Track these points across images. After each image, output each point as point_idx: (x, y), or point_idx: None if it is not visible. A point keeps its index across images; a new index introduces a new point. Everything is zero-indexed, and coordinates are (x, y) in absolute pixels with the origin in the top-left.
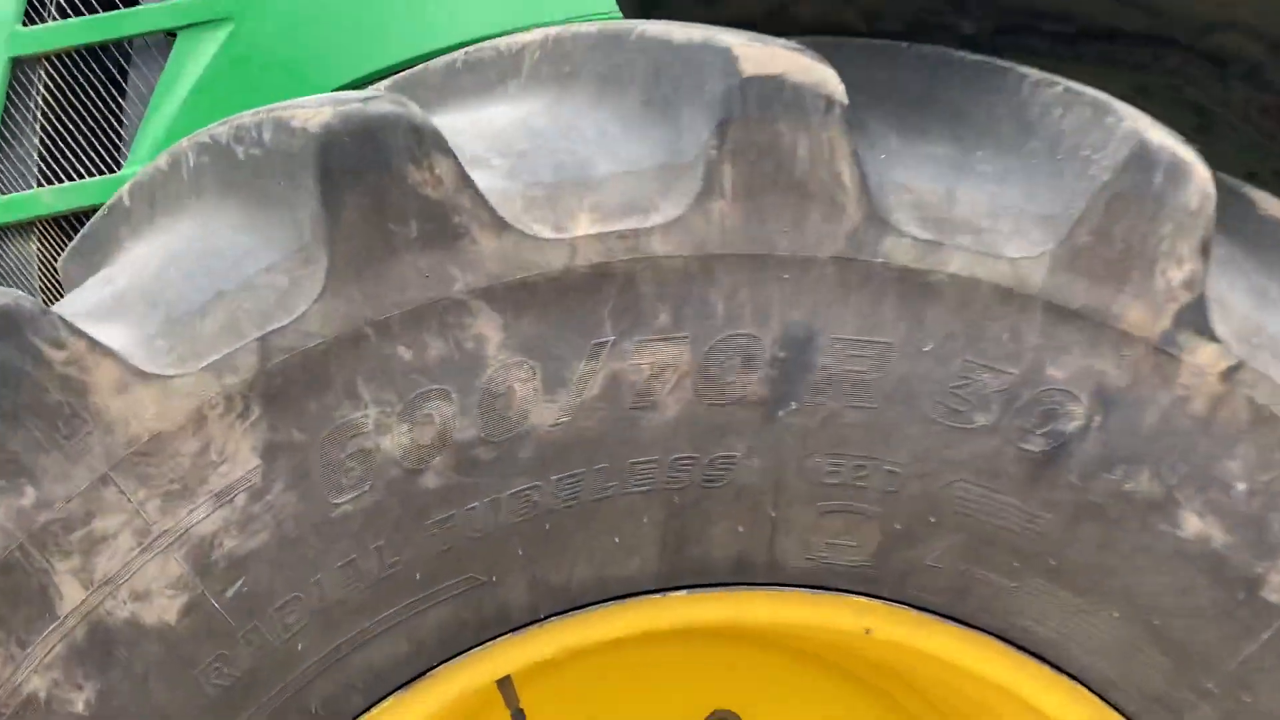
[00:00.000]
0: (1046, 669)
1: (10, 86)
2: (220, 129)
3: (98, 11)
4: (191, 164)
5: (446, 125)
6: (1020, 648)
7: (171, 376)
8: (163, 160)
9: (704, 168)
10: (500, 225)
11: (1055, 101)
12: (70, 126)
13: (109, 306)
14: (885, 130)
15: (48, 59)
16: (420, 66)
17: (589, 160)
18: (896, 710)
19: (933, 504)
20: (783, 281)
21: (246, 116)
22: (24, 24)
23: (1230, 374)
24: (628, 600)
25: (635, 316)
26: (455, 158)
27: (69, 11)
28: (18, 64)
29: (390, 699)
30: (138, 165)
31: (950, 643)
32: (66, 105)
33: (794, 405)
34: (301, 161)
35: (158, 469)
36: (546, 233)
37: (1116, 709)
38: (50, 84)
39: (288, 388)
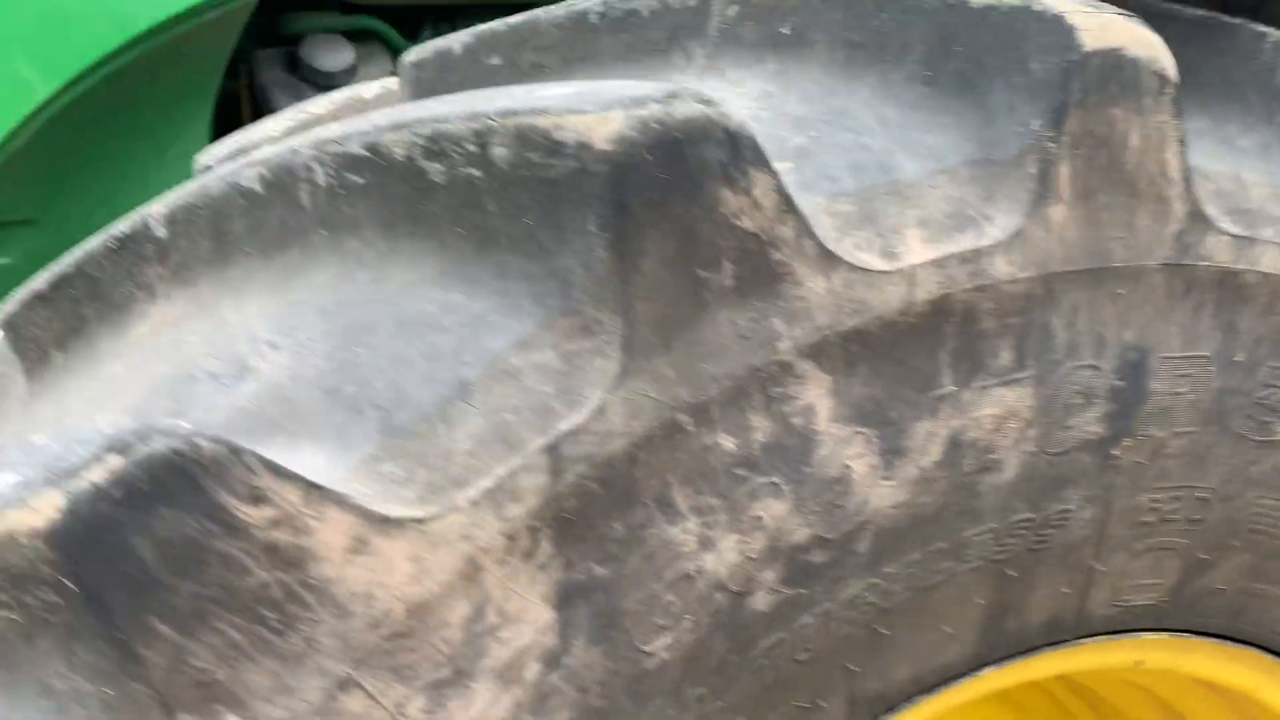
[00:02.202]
0: None
1: None
2: (370, 130)
3: None
4: (322, 183)
5: None
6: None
7: (427, 519)
8: (246, 173)
9: (1038, 165)
10: (827, 259)
11: None
12: None
13: (265, 414)
14: None
15: None
16: (522, 18)
17: (889, 156)
18: None
19: (1233, 526)
20: (1116, 298)
21: (448, 119)
22: None
23: None
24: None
25: (976, 359)
26: (775, 173)
27: None
28: None
29: None
30: None
31: (1214, 661)
32: None
33: (1127, 441)
34: (577, 190)
35: (418, 653)
36: (877, 262)
37: None
38: None
39: (586, 509)
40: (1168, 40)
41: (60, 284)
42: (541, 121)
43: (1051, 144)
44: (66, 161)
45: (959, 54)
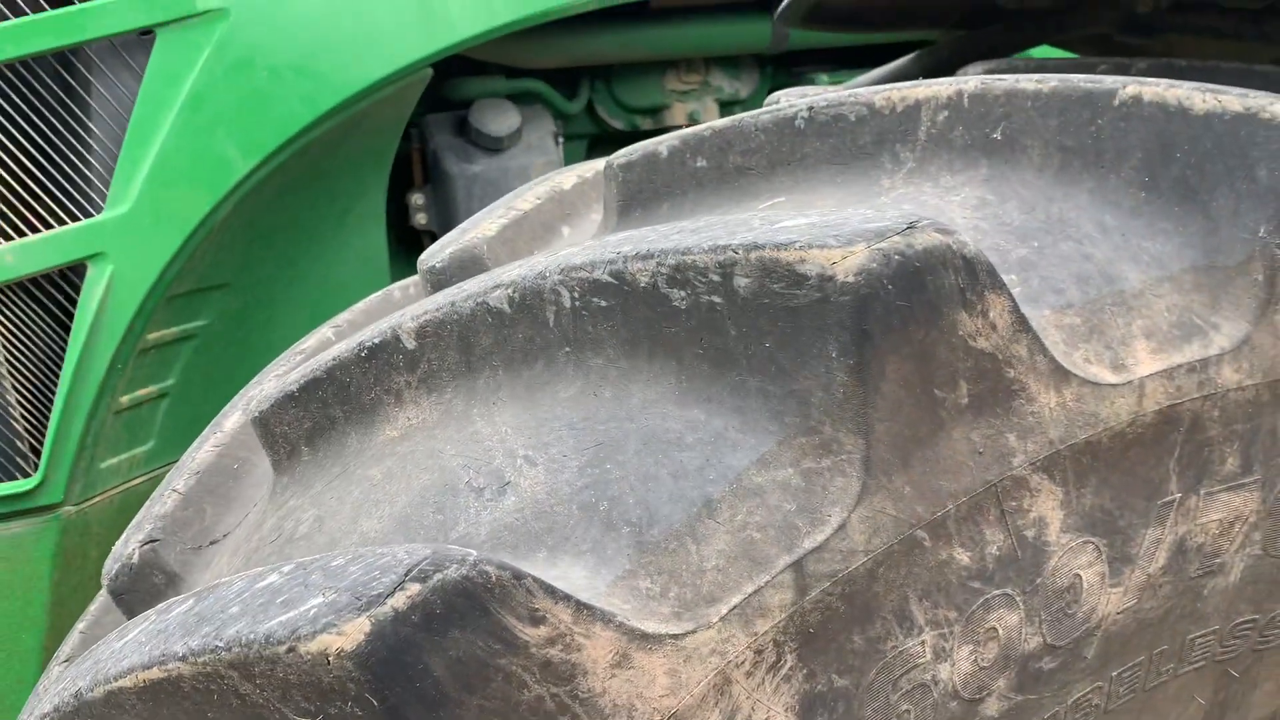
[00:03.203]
0: None
1: None
2: (615, 258)
3: (45, 9)
4: (568, 305)
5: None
6: None
7: (682, 635)
8: (494, 294)
9: (1264, 271)
10: (1059, 374)
11: None
12: (25, 161)
13: (527, 529)
14: None
15: None
16: (728, 123)
17: (1112, 265)
18: None
19: None
20: None
21: (692, 250)
22: None
23: None
24: None
25: (1202, 465)
26: (1009, 294)
27: (7, 13)
28: None
29: None
30: (122, 206)
31: None
32: (16, 135)
33: None
34: (819, 320)
35: None
36: (1107, 375)
37: None
38: None
39: (827, 623)
40: None
41: (310, 386)
42: (786, 255)
43: (1278, 250)
44: (259, 229)
45: (1180, 160)
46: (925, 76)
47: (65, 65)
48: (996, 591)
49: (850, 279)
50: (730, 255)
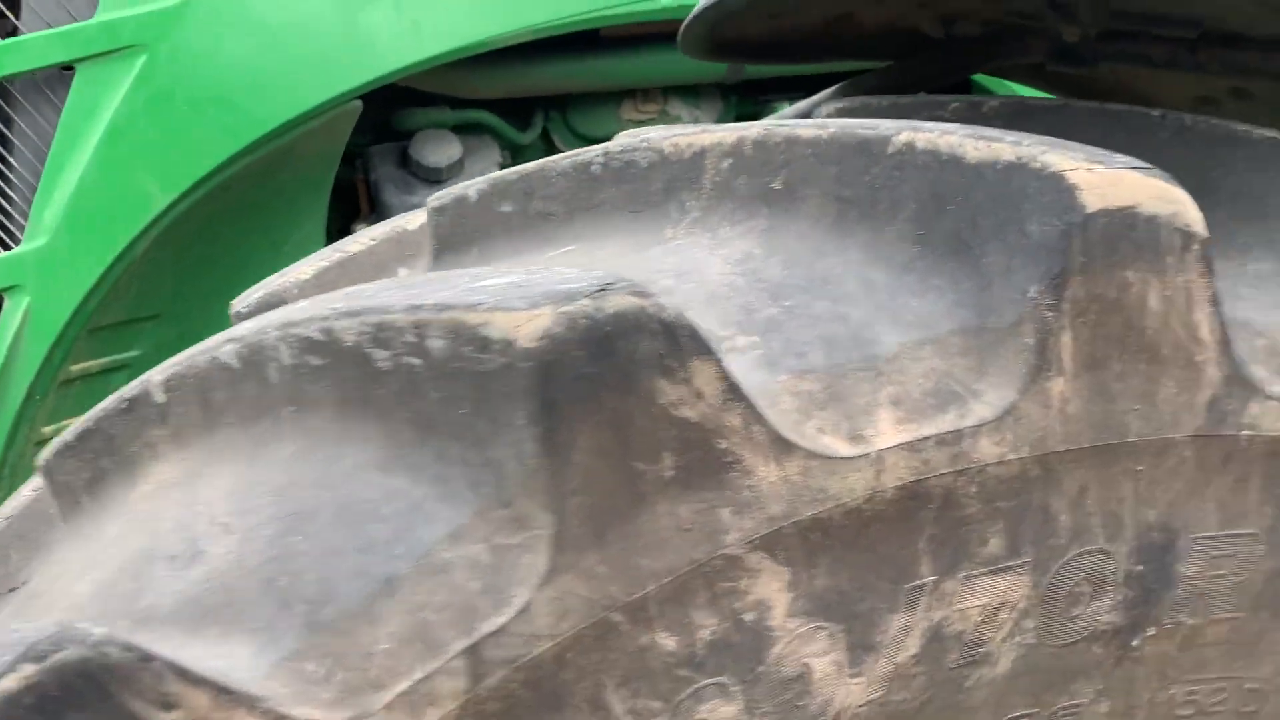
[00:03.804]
0: None
1: None
2: (328, 315)
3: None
4: (286, 363)
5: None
6: None
7: None
8: (225, 349)
9: (1034, 335)
10: (781, 445)
11: None
12: None
13: (207, 603)
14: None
15: None
16: (532, 167)
17: (866, 329)
18: None
19: None
20: (1135, 475)
21: (393, 309)
22: None
23: None
24: None
25: (959, 546)
26: (718, 361)
27: None
28: None
29: None
30: (40, 239)
31: None
32: None
33: (1151, 630)
34: (506, 386)
35: None
36: (840, 447)
37: None
38: None
39: (509, 712)
40: (1232, 165)
41: (84, 436)
42: (472, 318)
43: (1050, 312)
44: (189, 260)
45: (953, 213)
46: (841, 112)
47: None
48: (709, 680)
49: (533, 344)
50: (424, 316)
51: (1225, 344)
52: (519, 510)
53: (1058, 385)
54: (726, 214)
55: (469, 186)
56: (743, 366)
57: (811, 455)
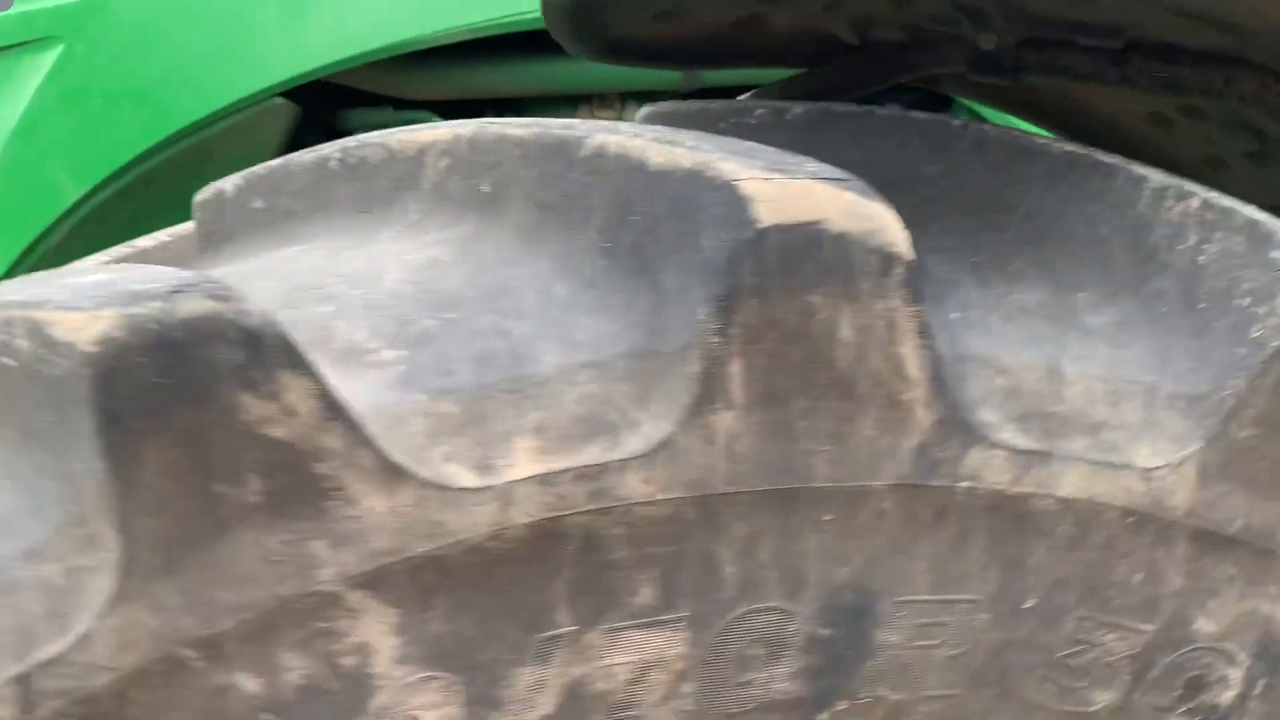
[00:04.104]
0: None
1: None
2: None
3: None
4: None
5: (308, 291)
6: None
7: None
8: None
9: (701, 362)
10: (391, 473)
11: (1190, 222)
12: None
13: None
14: (950, 270)
15: None
16: (280, 162)
17: (528, 346)
18: None
19: None
20: (821, 526)
21: (8, 305)
22: None
23: None
24: None
25: (604, 594)
26: (313, 374)
27: None
28: None
29: None
30: None
31: None
32: None
33: (843, 705)
34: (73, 394)
35: None
36: (464, 478)
37: None
38: None
39: None
40: (1029, 182)
41: None
42: (41, 316)
43: (717, 338)
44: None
45: (636, 223)
46: (653, 116)
47: None
48: None
49: (93, 349)
50: (11, 313)
51: (939, 382)
52: (92, 530)
53: (724, 419)
54: (441, 217)
55: (228, 181)
56: (378, 383)
57: (427, 485)
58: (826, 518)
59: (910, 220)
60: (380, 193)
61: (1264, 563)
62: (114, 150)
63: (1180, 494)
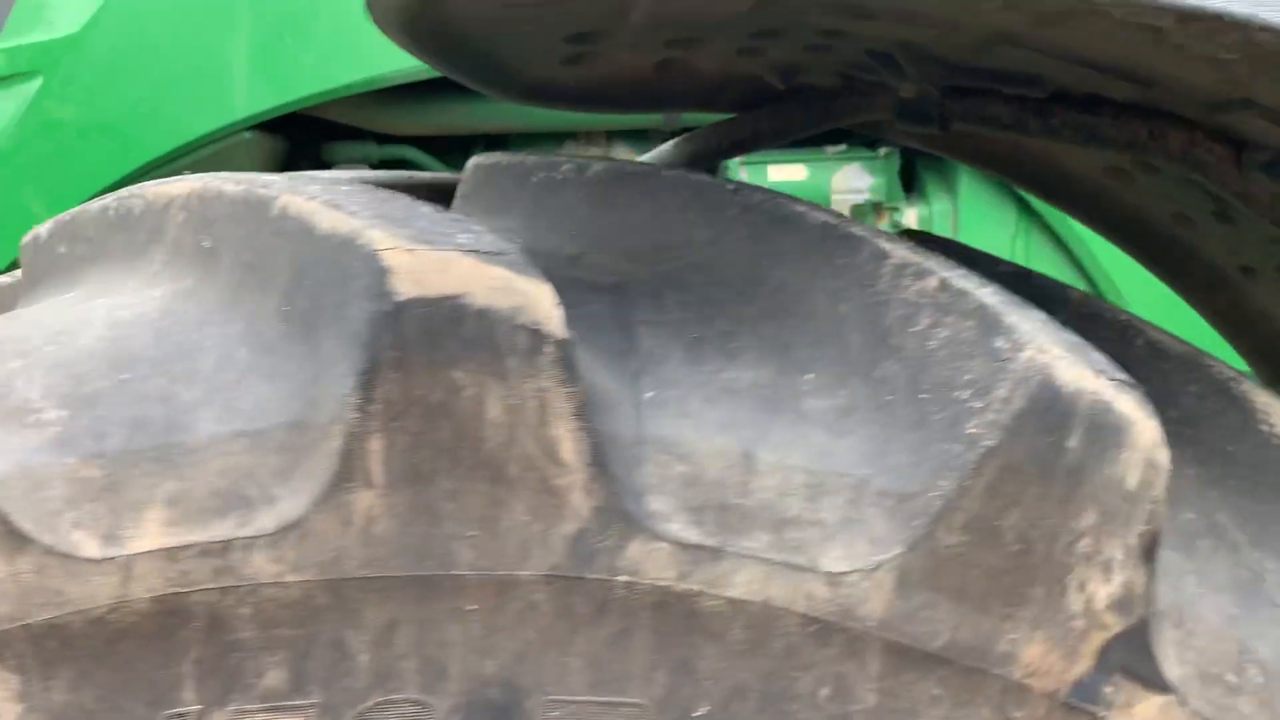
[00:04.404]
0: None
1: None
2: None
3: None
4: None
5: (11, 344)
6: None
7: None
8: None
9: (342, 439)
10: (14, 539)
11: (924, 303)
12: None
13: None
14: (663, 344)
15: None
16: (80, 209)
17: (187, 413)
18: None
19: None
20: (465, 616)
21: None
22: None
23: None
24: None
25: (231, 675)
26: None
27: None
28: None
29: None
30: None
31: None
32: None
33: None
34: None
35: None
36: (88, 547)
37: None
38: None
39: None
40: (785, 253)
41: None
42: None
43: (357, 413)
44: None
45: (308, 288)
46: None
47: None
48: None
49: None
50: None
51: (600, 467)
52: None
53: (363, 499)
54: (172, 270)
55: (45, 225)
56: (32, 443)
57: (50, 553)
58: (470, 607)
59: (655, 290)
60: (138, 244)
61: (973, 682)
62: (86, 181)
63: (873, 603)
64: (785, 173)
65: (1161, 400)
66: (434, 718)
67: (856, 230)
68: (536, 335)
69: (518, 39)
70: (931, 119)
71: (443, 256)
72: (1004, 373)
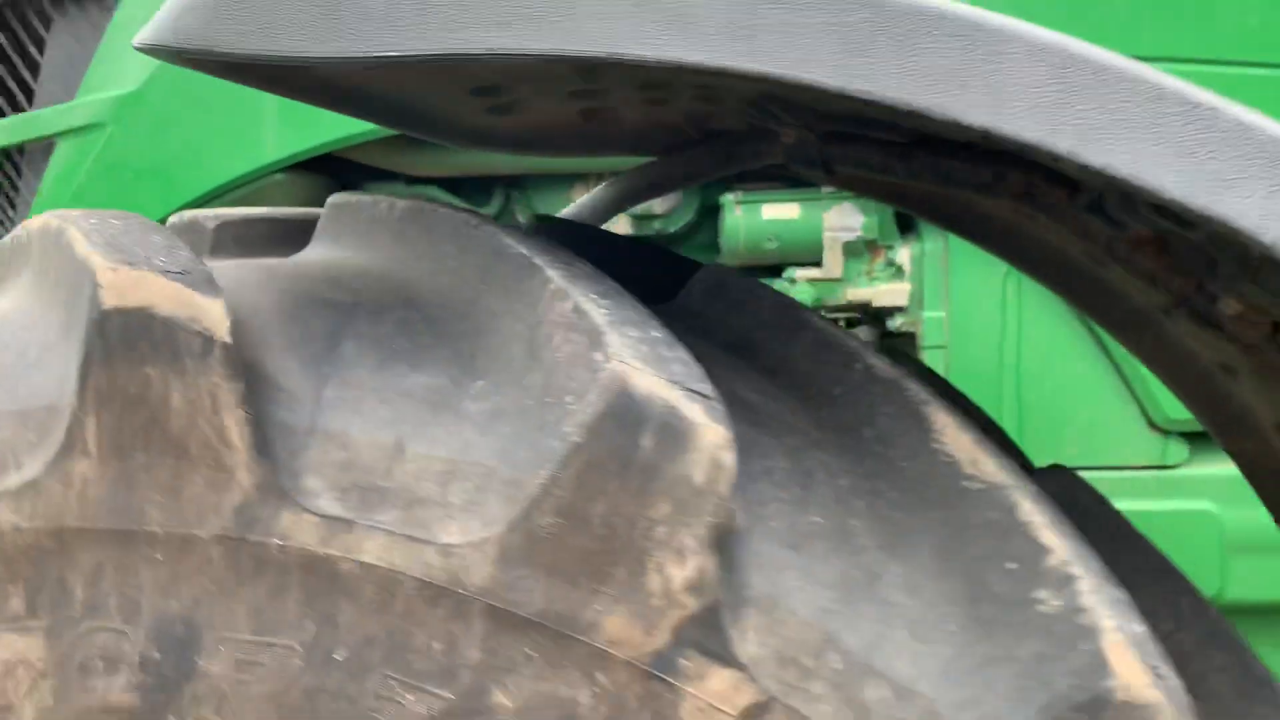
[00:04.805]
0: None
1: None
2: None
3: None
4: None
5: None
6: None
7: None
8: None
9: (69, 418)
10: None
11: (560, 322)
12: None
13: None
14: (361, 353)
15: None
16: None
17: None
18: None
19: None
20: (155, 564)
21: None
22: None
23: (754, 714)
24: None
25: None
26: None
27: None
28: None
29: None
30: None
31: None
32: None
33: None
34: None
35: None
36: None
37: None
38: None
39: None
40: (490, 281)
41: None
42: None
43: (76, 399)
44: None
45: (70, 301)
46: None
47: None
48: None
49: None
50: None
51: (262, 450)
52: None
53: (81, 466)
54: (26, 287)
55: None
56: None
57: None
58: (159, 557)
59: (383, 308)
60: (18, 266)
61: (563, 647)
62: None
63: (478, 572)
64: (778, 211)
65: (860, 420)
66: (131, 644)
67: (537, 258)
68: (208, 340)
69: (428, 95)
70: (815, 163)
71: (139, 275)
72: (595, 381)
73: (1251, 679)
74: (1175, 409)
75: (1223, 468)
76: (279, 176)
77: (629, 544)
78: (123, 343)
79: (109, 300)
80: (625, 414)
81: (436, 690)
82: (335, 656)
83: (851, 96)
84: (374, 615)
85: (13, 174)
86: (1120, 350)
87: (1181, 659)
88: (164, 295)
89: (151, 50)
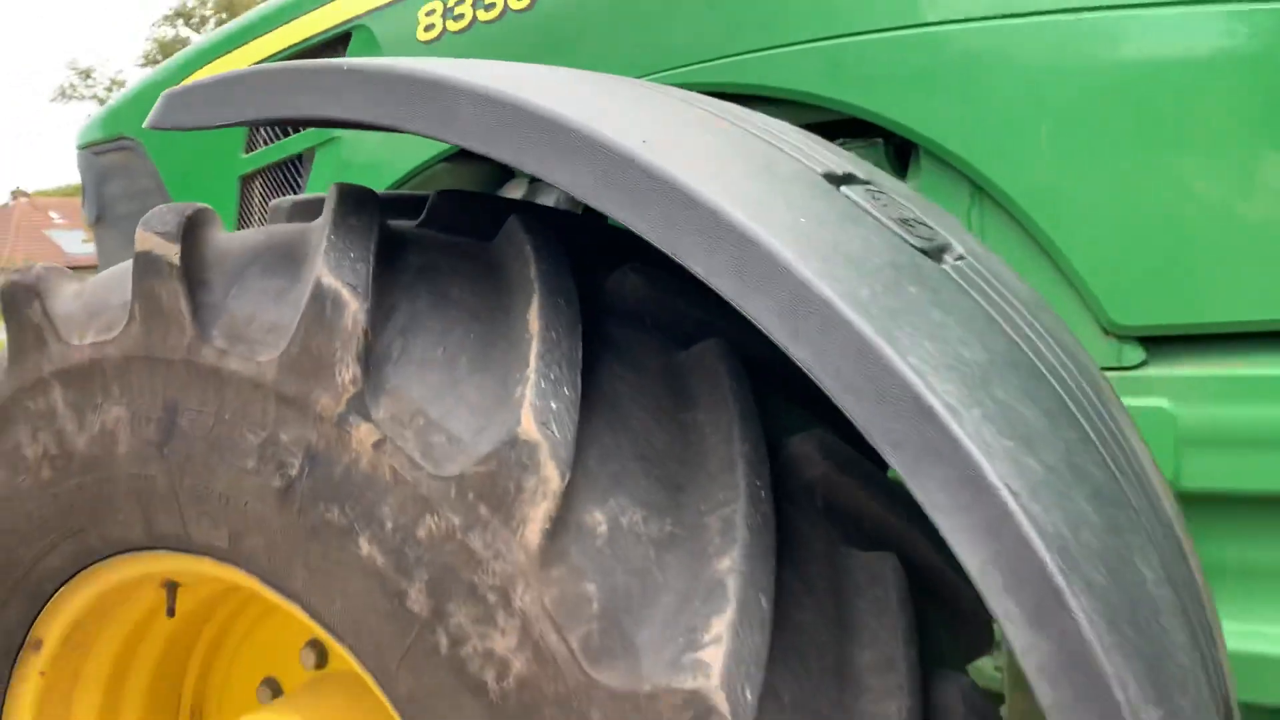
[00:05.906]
0: None
1: (241, 197)
2: None
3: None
4: None
5: None
6: None
7: None
8: None
9: None
10: None
11: None
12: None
13: None
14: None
15: (260, 174)
16: None
17: None
18: None
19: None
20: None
21: None
22: (244, 152)
23: (378, 446)
24: None
25: None
26: None
27: (269, 139)
28: (243, 180)
29: None
30: None
31: None
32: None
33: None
34: None
35: None
36: None
37: None
38: (262, 192)
39: None
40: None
41: None
42: None
43: None
44: None
45: None
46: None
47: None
48: None
49: None
50: None
51: (199, 320)
52: None
53: None
54: None
55: None
56: None
57: None
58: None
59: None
60: None
61: (305, 411)
62: None
63: (270, 374)
64: None
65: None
66: None
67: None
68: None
69: None
70: None
71: None
72: (309, 278)
73: None
74: (1126, 315)
75: (1177, 369)
76: (443, 166)
77: (326, 361)
78: None
79: None
80: (319, 294)
81: (259, 433)
82: (226, 417)
83: None
84: (238, 395)
85: (294, 173)
86: (1072, 262)
87: None
88: None
89: (154, 128)
